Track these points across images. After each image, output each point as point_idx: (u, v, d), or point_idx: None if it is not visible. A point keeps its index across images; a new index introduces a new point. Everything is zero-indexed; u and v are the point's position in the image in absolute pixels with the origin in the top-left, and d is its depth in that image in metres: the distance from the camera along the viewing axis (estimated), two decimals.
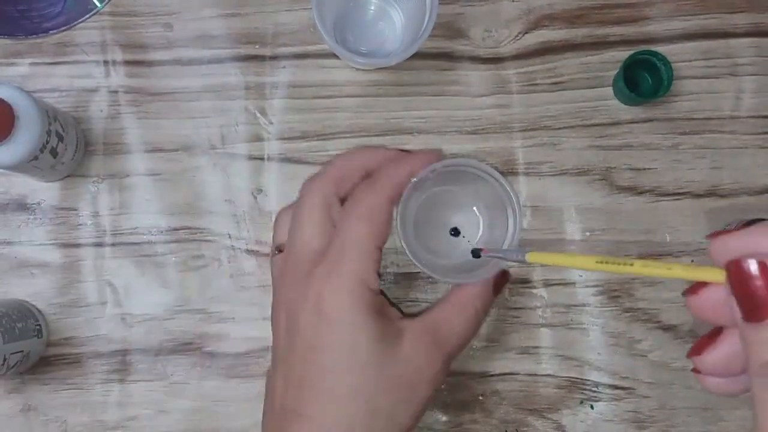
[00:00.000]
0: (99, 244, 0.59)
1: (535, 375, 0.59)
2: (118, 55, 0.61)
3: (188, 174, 0.60)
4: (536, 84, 0.62)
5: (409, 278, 0.59)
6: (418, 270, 0.61)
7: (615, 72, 0.61)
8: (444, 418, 0.59)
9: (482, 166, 0.41)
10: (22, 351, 0.53)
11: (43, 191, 0.60)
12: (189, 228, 0.60)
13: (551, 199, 0.61)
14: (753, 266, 0.25)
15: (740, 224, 0.58)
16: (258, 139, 0.61)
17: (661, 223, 0.61)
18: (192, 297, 0.59)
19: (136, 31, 0.61)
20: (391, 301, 0.40)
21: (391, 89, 0.61)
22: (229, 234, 0.60)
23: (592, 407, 0.59)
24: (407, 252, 0.40)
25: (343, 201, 0.40)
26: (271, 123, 0.61)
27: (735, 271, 0.25)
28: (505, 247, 0.41)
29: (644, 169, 0.61)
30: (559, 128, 0.61)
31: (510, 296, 0.60)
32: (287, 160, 0.61)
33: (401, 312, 0.40)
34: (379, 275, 0.38)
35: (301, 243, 0.39)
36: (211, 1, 0.61)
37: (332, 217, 0.39)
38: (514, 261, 0.38)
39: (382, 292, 0.40)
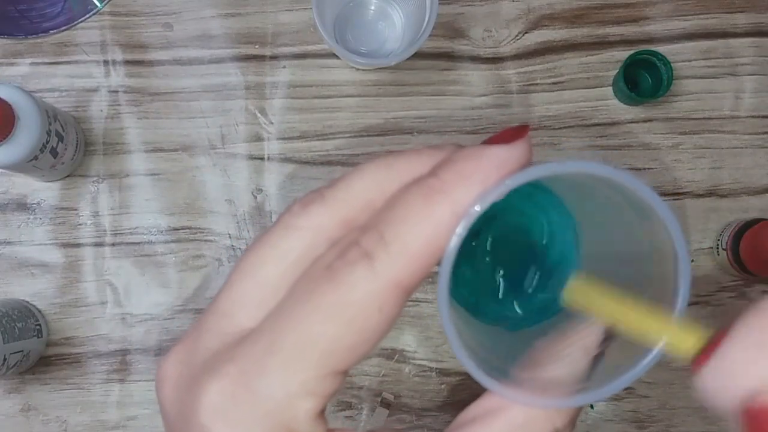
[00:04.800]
0: (99, 244, 0.59)
1: None
2: (118, 55, 0.61)
3: (188, 174, 0.60)
4: (536, 84, 0.62)
5: None
6: None
7: (615, 72, 0.61)
8: (444, 418, 0.59)
9: (620, 175, 0.21)
10: (22, 351, 0.53)
11: (43, 191, 0.60)
12: (189, 228, 0.60)
13: None
14: None
15: (737, 226, 0.58)
16: (258, 139, 0.61)
17: None
18: (192, 297, 0.59)
19: (136, 30, 0.61)
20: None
21: (391, 89, 0.61)
22: (229, 234, 0.60)
23: (592, 407, 0.59)
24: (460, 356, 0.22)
25: None
26: (271, 123, 0.61)
27: (760, 418, 0.18)
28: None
29: (644, 169, 0.61)
30: (559, 128, 0.61)
31: None
32: (287, 159, 0.61)
33: None
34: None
35: (225, 304, 0.23)
36: (211, 1, 0.61)
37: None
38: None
39: None
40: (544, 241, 0.28)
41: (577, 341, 0.24)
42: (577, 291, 0.24)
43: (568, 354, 0.24)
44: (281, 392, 0.21)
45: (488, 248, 0.28)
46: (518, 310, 0.28)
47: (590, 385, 0.22)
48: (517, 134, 0.21)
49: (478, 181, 0.21)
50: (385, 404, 0.59)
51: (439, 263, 0.21)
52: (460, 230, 0.21)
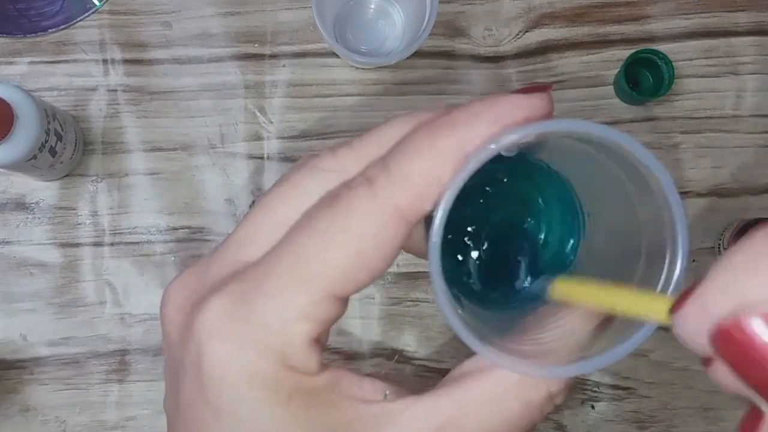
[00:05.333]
0: (98, 244, 0.59)
1: None
2: (117, 54, 0.60)
3: (188, 173, 0.60)
4: (537, 83, 0.61)
5: (409, 278, 0.59)
6: (419, 270, 0.61)
7: (616, 71, 0.61)
8: None
9: (632, 144, 0.23)
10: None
11: (42, 190, 0.59)
12: (188, 227, 0.60)
13: None
14: (756, 324, 0.16)
15: (737, 226, 0.58)
16: (258, 138, 0.60)
17: None
18: None
19: (135, 29, 0.61)
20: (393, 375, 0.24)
21: (391, 88, 0.61)
22: (228, 233, 0.60)
23: (593, 407, 0.59)
24: (438, 297, 0.21)
25: None
26: (271, 122, 0.61)
27: (729, 341, 0.17)
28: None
29: None
30: None
31: None
32: (287, 159, 0.60)
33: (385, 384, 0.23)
34: (325, 341, 0.23)
35: (240, 235, 0.24)
36: (211, 0, 0.61)
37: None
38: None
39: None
40: (541, 233, 0.28)
41: (577, 309, 0.23)
42: (560, 288, 0.23)
43: (567, 323, 0.24)
44: (276, 313, 0.21)
45: (484, 233, 0.28)
46: (512, 293, 0.28)
47: (586, 355, 0.22)
48: (538, 88, 0.22)
49: (488, 121, 0.20)
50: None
51: (434, 210, 0.21)
52: (471, 165, 0.20)
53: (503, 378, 0.22)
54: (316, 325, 0.21)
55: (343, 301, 0.22)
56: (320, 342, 0.22)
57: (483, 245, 0.28)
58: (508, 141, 0.20)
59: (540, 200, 0.27)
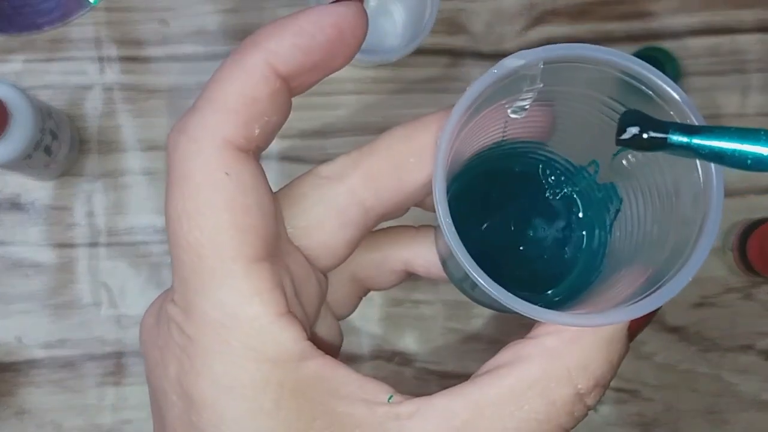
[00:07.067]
0: (94, 245, 0.58)
1: None
2: (113, 52, 0.60)
3: None
4: None
5: (409, 279, 0.58)
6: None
7: None
8: None
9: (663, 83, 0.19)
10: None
11: (37, 190, 0.59)
12: None
13: None
14: None
15: (743, 225, 0.57)
16: None
17: None
18: None
19: (131, 27, 0.60)
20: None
21: (391, 86, 0.60)
22: None
23: (596, 410, 0.58)
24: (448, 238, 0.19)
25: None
26: None
27: None
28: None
29: None
30: None
31: None
32: (286, 158, 0.60)
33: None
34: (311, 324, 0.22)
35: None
36: None
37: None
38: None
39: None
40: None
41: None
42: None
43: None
44: (219, 290, 0.21)
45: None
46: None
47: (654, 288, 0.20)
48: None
49: (292, 32, 0.20)
50: None
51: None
52: (471, 92, 0.19)
53: (523, 375, 0.20)
54: (263, 298, 0.20)
55: (268, 258, 0.21)
56: (289, 305, 0.20)
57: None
58: (510, 65, 0.20)
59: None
